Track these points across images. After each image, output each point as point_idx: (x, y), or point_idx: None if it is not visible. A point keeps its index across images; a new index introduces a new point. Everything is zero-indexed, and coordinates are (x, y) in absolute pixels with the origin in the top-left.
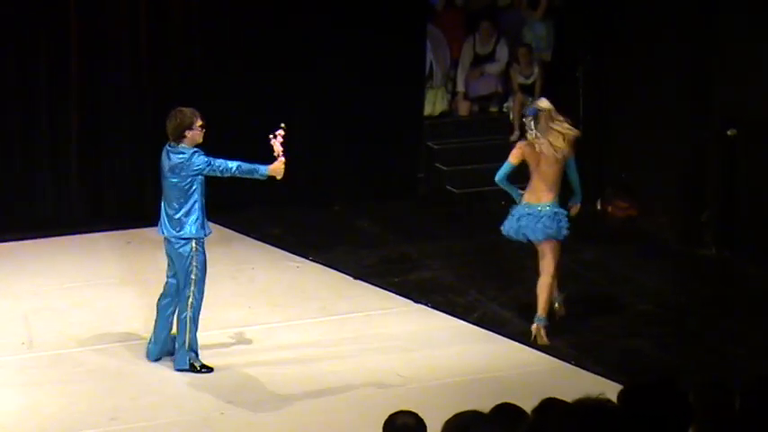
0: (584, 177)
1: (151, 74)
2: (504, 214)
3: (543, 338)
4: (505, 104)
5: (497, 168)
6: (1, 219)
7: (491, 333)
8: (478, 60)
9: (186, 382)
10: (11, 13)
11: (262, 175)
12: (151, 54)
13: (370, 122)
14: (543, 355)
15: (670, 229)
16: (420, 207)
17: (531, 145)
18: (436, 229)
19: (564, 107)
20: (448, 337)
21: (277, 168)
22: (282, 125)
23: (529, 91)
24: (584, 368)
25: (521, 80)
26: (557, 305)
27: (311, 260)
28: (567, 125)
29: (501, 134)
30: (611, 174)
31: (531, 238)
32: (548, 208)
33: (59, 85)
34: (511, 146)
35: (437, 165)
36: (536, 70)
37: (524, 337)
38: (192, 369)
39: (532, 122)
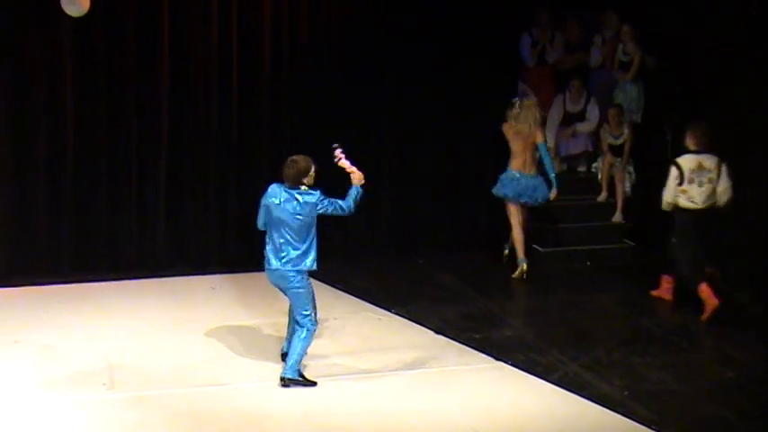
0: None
1: (240, 116)
2: (589, 274)
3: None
4: (594, 164)
5: (584, 228)
6: (87, 260)
7: (571, 394)
8: (568, 118)
9: (263, 428)
10: (103, 56)
11: (358, 191)
12: (240, 95)
13: (457, 178)
14: (623, 418)
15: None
16: (504, 264)
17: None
18: (519, 287)
19: (652, 169)
20: (527, 397)
21: (358, 178)
22: (335, 145)
23: (618, 152)
24: None
25: (610, 140)
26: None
27: (394, 313)
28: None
29: (589, 194)
30: None
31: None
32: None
33: (149, 129)
34: (597, 206)
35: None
36: (626, 131)
37: (605, 400)
38: (301, 377)
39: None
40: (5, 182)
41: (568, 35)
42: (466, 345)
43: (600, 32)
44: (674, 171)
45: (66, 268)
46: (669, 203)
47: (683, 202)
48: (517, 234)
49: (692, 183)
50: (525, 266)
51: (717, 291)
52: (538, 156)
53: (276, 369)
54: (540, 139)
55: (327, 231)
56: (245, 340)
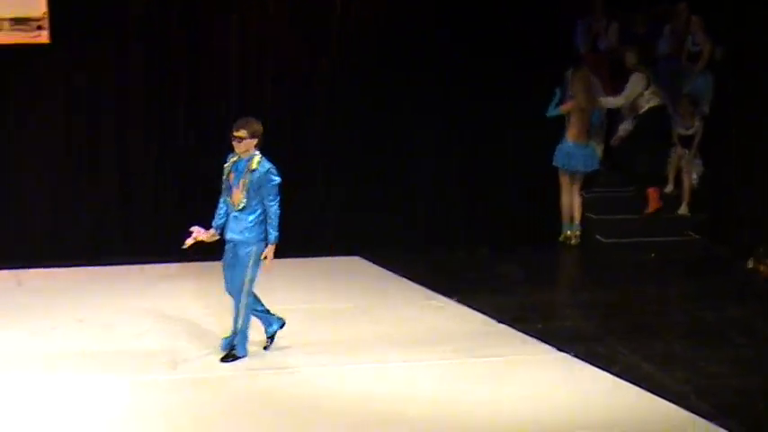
0: (738, 236)
1: (293, 114)
2: (652, 266)
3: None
4: None
5: (649, 220)
6: (155, 242)
7: (631, 386)
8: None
9: (326, 412)
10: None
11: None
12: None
13: (520, 168)
14: (683, 411)
15: None
16: (567, 255)
17: None
18: (582, 278)
19: (719, 161)
20: (587, 388)
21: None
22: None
23: (687, 143)
24: (725, 428)
25: (680, 131)
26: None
27: (456, 301)
28: None
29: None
30: (764, 232)
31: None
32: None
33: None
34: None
35: (587, 213)
36: (697, 123)
37: (665, 393)
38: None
39: None
40: (73, 166)
41: (635, 27)
42: (527, 334)
43: (669, 23)
44: None
45: (135, 249)
46: None
47: None
48: (565, 201)
49: None
50: (569, 233)
51: None
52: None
53: (337, 353)
54: (566, 109)
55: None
56: (304, 324)
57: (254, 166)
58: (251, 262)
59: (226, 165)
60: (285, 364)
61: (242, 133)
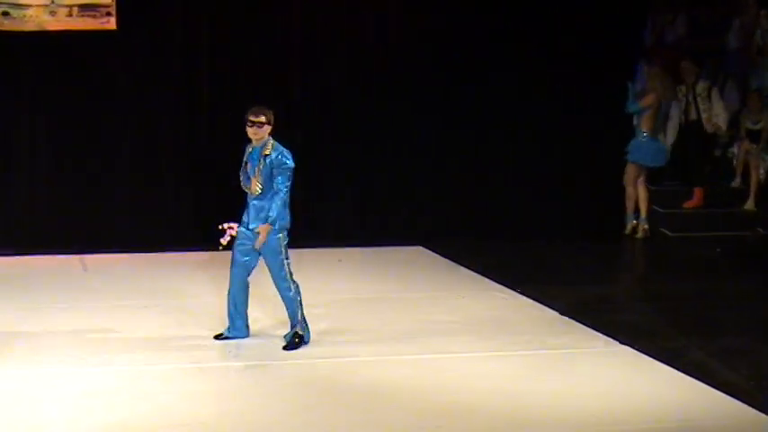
0: None
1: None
2: (718, 261)
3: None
4: (730, 149)
5: (715, 214)
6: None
7: (696, 381)
8: None
9: (388, 402)
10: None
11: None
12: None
13: (588, 160)
14: (748, 408)
15: None
16: (633, 248)
17: None
18: (647, 271)
19: None
20: (651, 382)
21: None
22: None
23: (755, 137)
24: None
25: (748, 125)
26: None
27: (520, 293)
28: None
29: (723, 179)
30: None
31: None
32: None
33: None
34: (730, 192)
35: (654, 207)
36: (765, 117)
37: (729, 389)
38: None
39: None
40: (138, 152)
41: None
42: (591, 327)
43: (738, 16)
44: None
45: (197, 237)
46: None
47: None
48: (630, 192)
49: None
50: (635, 223)
51: None
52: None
53: (399, 343)
54: (647, 103)
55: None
56: (367, 313)
57: (267, 151)
58: (281, 248)
59: (245, 154)
60: (347, 352)
61: (261, 119)
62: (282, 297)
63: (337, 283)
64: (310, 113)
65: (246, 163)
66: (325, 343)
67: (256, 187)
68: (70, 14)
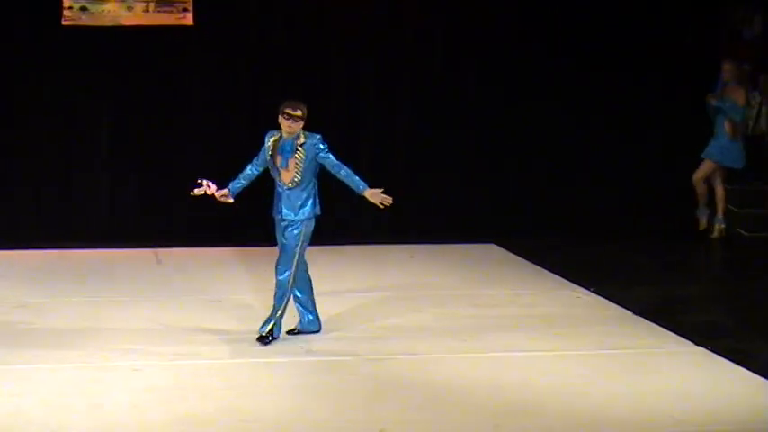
0: None
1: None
2: None
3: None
4: None
5: None
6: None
7: None
8: None
9: (457, 400)
10: None
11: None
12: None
13: (665, 160)
14: None
15: None
16: (708, 248)
17: None
18: (722, 272)
19: None
20: (725, 384)
21: None
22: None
23: None
24: None
25: None
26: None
27: (592, 291)
28: None
29: None
30: None
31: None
32: None
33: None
34: None
35: (729, 206)
36: None
37: None
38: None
39: None
40: (211, 145)
41: None
42: (664, 327)
43: None
44: None
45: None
46: None
47: None
48: (702, 189)
49: None
50: (704, 221)
51: None
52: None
53: (469, 340)
54: (742, 101)
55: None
56: (437, 310)
57: (301, 140)
58: (301, 239)
59: (266, 145)
60: (416, 349)
61: (299, 113)
62: (276, 286)
63: (409, 280)
64: (384, 108)
65: (275, 155)
66: (394, 339)
67: (291, 177)
68: (147, 10)
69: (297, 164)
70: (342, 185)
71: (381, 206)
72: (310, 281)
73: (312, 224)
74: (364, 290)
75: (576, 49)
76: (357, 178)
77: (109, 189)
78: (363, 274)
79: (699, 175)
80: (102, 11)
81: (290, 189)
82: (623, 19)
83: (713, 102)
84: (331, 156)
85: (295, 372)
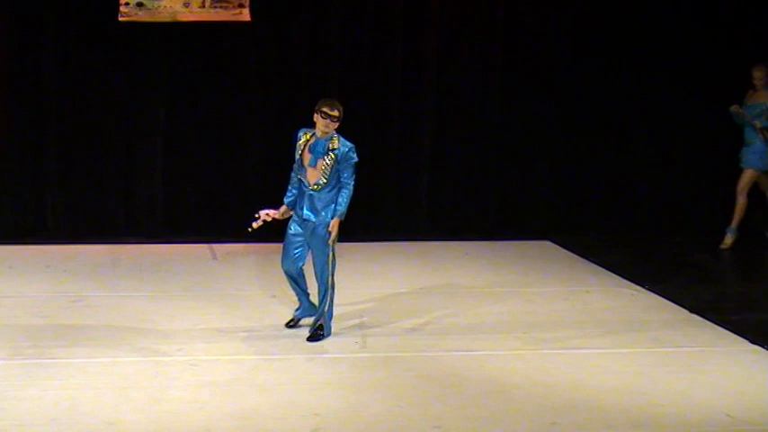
0: None
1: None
2: None
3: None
4: None
5: None
6: (349, 222)
7: None
8: None
9: (512, 397)
10: None
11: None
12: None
13: (720, 156)
14: None
15: None
16: (766, 246)
17: None
18: None
19: None
20: None
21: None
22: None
23: None
24: None
25: None
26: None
27: (647, 289)
28: None
29: None
30: None
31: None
32: None
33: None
34: None
35: None
36: None
37: None
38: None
39: None
40: (270, 142)
41: None
42: (721, 326)
43: None
44: None
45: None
46: None
47: None
48: (742, 203)
49: None
50: (729, 241)
51: None
52: None
53: (524, 338)
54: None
55: (583, 204)
56: (492, 307)
57: (335, 144)
58: (330, 240)
59: (299, 142)
60: (471, 346)
61: (336, 113)
62: (318, 287)
63: (463, 277)
64: (440, 108)
65: (305, 152)
66: (449, 336)
67: (316, 179)
68: (203, 5)
69: (325, 167)
70: (395, 182)
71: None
72: (303, 275)
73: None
74: (419, 286)
75: (633, 46)
76: (344, 205)
77: (166, 184)
78: (418, 270)
79: (742, 185)
80: (159, 7)
81: (313, 191)
82: (686, 19)
83: (735, 111)
84: (350, 173)
85: (352, 368)
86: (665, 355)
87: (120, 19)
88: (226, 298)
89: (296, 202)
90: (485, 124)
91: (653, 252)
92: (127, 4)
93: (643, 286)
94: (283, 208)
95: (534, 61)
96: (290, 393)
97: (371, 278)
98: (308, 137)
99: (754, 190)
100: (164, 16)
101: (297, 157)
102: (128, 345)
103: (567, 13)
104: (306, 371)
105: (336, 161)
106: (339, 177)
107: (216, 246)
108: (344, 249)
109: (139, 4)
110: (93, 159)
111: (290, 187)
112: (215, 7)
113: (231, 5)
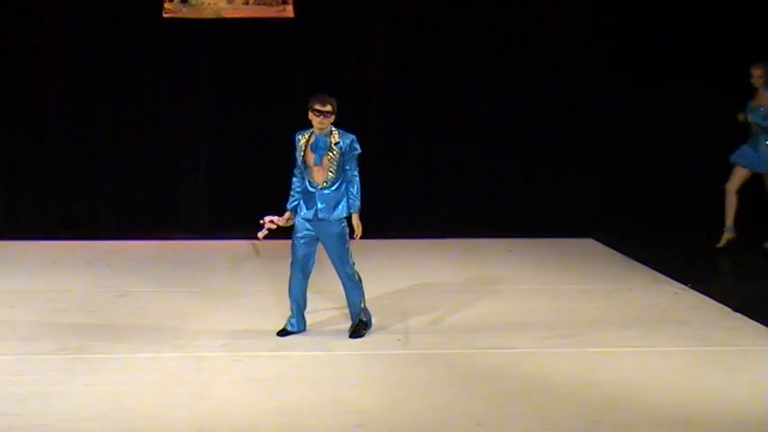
0: None
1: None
2: None
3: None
4: None
5: None
6: (401, 219)
7: None
8: None
9: (553, 395)
10: None
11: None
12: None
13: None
14: None
15: None
16: None
17: None
18: None
19: None
20: None
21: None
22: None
23: None
24: None
25: None
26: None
27: (690, 287)
28: None
29: None
30: None
31: None
32: None
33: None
34: None
35: None
36: None
37: None
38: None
39: None
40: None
41: None
42: (763, 324)
43: None
44: None
45: (383, 222)
46: None
47: None
48: (732, 201)
49: None
50: (728, 235)
51: None
52: None
53: (566, 335)
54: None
55: (627, 201)
56: (533, 305)
57: (336, 139)
58: (345, 236)
59: (299, 144)
60: (513, 343)
61: (328, 108)
62: (345, 284)
63: (507, 273)
64: (487, 107)
65: (308, 153)
66: (491, 333)
67: (324, 177)
68: (247, 2)
69: (331, 162)
70: (442, 179)
71: (355, 235)
72: (308, 280)
73: (345, 222)
74: (461, 283)
75: (675, 42)
76: (358, 197)
77: (210, 180)
78: (461, 267)
79: (732, 184)
80: (203, 3)
81: (322, 189)
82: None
83: (742, 120)
84: (354, 164)
85: (394, 364)
86: (707, 354)
87: (165, 15)
88: (268, 294)
89: (298, 207)
90: (531, 123)
91: (695, 249)
92: (171, 0)
93: (686, 284)
94: (287, 214)
95: (582, 62)
96: (333, 389)
97: (416, 274)
98: (306, 137)
99: (760, 194)
100: (207, 13)
101: (299, 160)
102: (171, 340)
103: (613, 21)
104: (348, 367)
105: (341, 154)
106: (344, 172)
107: (259, 243)
108: (389, 246)
109: (183, 1)
110: (137, 155)
111: (292, 193)
112: (259, 4)
113: (275, 2)
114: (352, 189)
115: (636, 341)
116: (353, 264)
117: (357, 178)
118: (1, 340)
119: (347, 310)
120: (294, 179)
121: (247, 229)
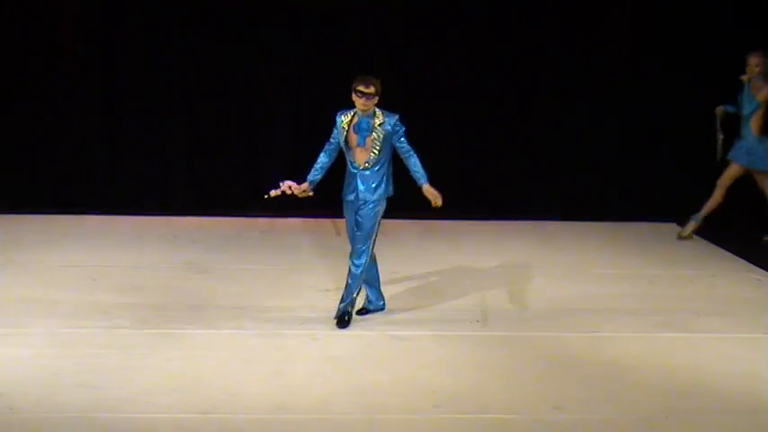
0: None
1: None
2: None
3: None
4: None
5: None
6: (466, 200)
7: None
8: None
9: (631, 380)
10: None
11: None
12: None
13: None
14: None
15: None
16: None
17: None
18: None
19: None
20: None
21: None
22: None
23: None
24: None
25: None
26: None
27: None
28: None
29: None
30: None
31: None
32: None
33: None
34: None
35: None
36: None
37: None
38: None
39: None
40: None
41: None
42: None
43: None
44: None
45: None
46: None
47: None
48: (717, 196)
49: None
50: (693, 224)
51: None
52: None
53: (643, 320)
54: (760, 98)
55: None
56: (612, 288)
57: (380, 120)
58: (377, 220)
59: (341, 124)
60: (591, 328)
61: (371, 89)
62: (351, 268)
63: (585, 258)
64: (562, 92)
65: (350, 133)
66: (567, 316)
67: (366, 158)
68: None
69: (374, 143)
70: (517, 164)
71: (434, 204)
72: (375, 258)
73: (384, 204)
74: (538, 266)
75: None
76: (421, 170)
77: (290, 159)
78: (538, 250)
79: (723, 179)
80: None
81: (363, 169)
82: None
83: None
84: (405, 140)
85: (470, 346)
86: None
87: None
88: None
89: (319, 181)
90: (610, 108)
91: None
92: None
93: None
94: (305, 185)
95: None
96: (410, 370)
97: (492, 256)
98: (349, 117)
99: (755, 191)
100: None
101: (341, 139)
102: (251, 317)
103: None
104: (425, 348)
105: (385, 135)
106: (388, 153)
107: (339, 221)
108: (463, 227)
109: None
110: (219, 135)
111: (315, 166)
112: None
113: None
114: (413, 164)
115: (715, 327)
116: (370, 249)
117: (413, 152)
118: (84, 314)
119: (421, 293)
120: (322, 155)
121: (328, 208)
